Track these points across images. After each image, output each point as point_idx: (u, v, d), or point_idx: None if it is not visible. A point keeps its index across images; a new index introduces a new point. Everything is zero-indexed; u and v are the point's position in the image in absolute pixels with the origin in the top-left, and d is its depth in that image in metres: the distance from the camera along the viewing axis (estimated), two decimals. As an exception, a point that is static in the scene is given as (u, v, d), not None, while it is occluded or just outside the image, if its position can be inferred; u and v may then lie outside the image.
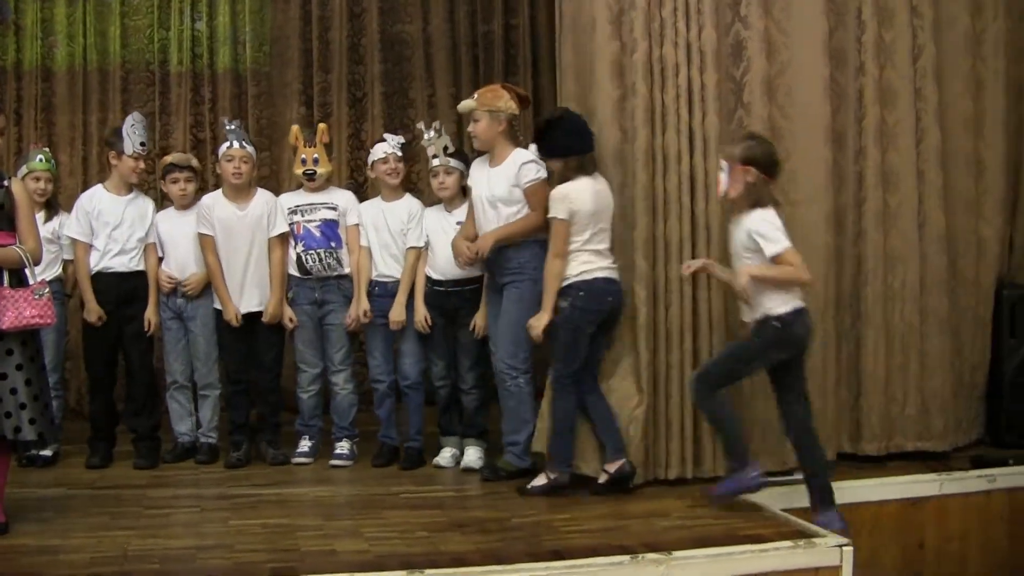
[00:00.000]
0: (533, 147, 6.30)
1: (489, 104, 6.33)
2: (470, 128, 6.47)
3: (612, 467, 6.02)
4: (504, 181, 6.29)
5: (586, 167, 6.02)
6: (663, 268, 6.04)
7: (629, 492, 5.99)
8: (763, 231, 5.44)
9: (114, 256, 6.83)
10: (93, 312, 6.79)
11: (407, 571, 4.60)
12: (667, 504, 5.76)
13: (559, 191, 5.97)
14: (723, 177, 5.59)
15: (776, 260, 5.43)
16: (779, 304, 5.48)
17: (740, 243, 5.57)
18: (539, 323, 5.99)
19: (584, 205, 5.92)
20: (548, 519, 5.54)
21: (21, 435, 5.24)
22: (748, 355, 5.66)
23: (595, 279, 5.93)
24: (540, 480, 6.03)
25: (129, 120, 6.89)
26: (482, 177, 6.44)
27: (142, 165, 6.94)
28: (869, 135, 6.47)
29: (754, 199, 5.52)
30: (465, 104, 6.45)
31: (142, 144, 6.84)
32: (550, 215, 5.96)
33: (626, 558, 4.83)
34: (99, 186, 7.08)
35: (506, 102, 6.35)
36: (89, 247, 6.84)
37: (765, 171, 5.55)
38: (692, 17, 6.09)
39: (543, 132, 6.16)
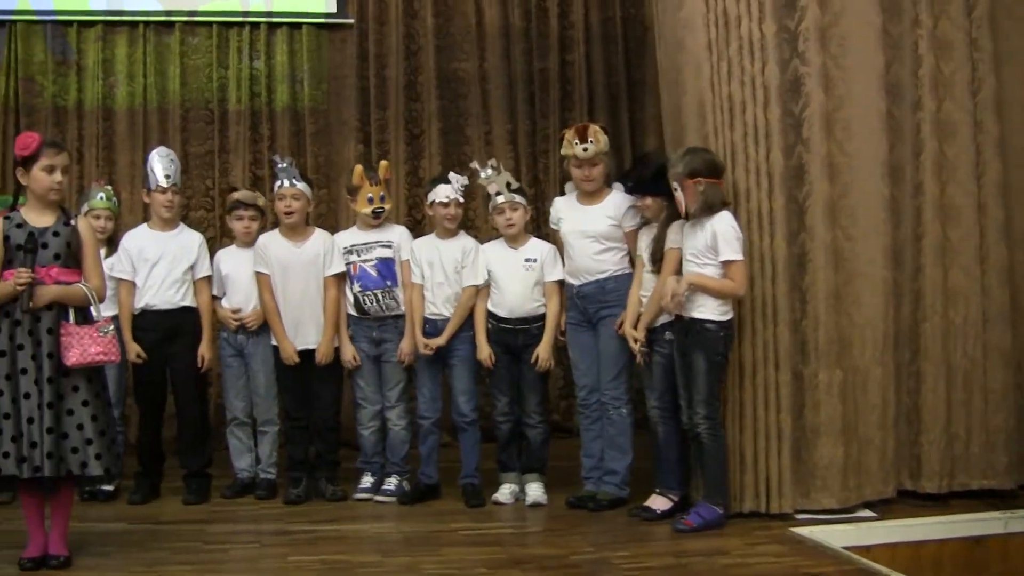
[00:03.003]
0: (619, 186, 6.61)
1: (606, 147, 6.52)
2: (586, 172, 6.51)
3: (676, 496, 6.23)
4: (605, 219, 6.49)
5: None
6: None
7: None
8: (728, 236, 5.88)
9: (156, 293, 6.87)
10: (130, 351, 6.82)
11: (467, 608, 4.60)
12: (728, 541, 5.70)
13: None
14: (679, 196, 5.90)
15: (727, 266, 5.88)
16: (725, 311, 5.98)
17: (703, 244, 5.94)
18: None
19: None
20: (607, 556, 5.50)
21: (87, 470, 5.29)
22: (720, 369, 6.02)
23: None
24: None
25: (152, 156, 6.98)
26: (574, 214, 6.62)
27: (171, 198, 6.94)
28: (927, 169, 6.41)
29: (711, 204, 5.90)
30: (597, 148, 6.45)
31: (167, 176, 6.88)
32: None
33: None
34: (144, 224, 7.17)
35: None
36: (133, 285, 6.90)
37: (711, 176, 5.91)
38: (756, 54, 6.11)
39: (659, 173, 6.17)
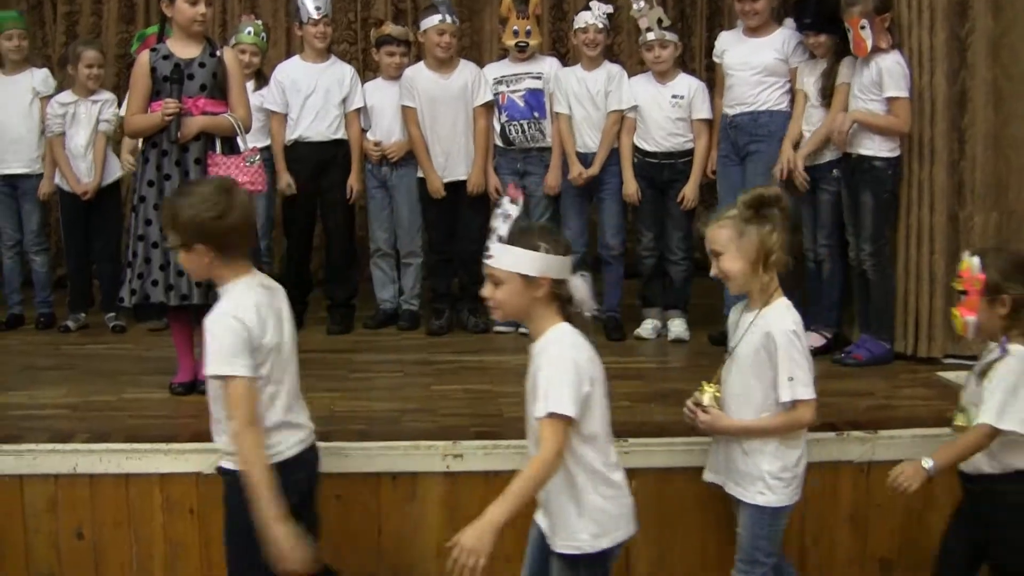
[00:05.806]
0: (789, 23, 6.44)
1: None
2: (749, 6, 6.37)
3: (831, 334, 6.30)
4: (771, 52, 6.37)
5: None
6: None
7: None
8: (895, 72, 5.81)
9: (309, 125, 6.90)
10: (282, 181, 6.92)
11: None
12: (873, 383, 5.65)
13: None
14: (866, 35, 5.79)
15: (892, 102, 5.81)
16: (892, 148, 5.92)
17: (869, 81, 5.87)
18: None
19: None
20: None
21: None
22: (888, 207, 5.98)
23: None
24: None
25: None
26: (740, 46, 6.50)
27: (323, 29, 6.92)
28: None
29: (889, 40, 5.84)
30: None
31: (317, 8, 6.84)
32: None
33: (831, 435, 4.76)
34: (296, 57, 7.18)
35: None
36: (284, 118, 6.94)
37: (889, 9, 5.86)
38: None
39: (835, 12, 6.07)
